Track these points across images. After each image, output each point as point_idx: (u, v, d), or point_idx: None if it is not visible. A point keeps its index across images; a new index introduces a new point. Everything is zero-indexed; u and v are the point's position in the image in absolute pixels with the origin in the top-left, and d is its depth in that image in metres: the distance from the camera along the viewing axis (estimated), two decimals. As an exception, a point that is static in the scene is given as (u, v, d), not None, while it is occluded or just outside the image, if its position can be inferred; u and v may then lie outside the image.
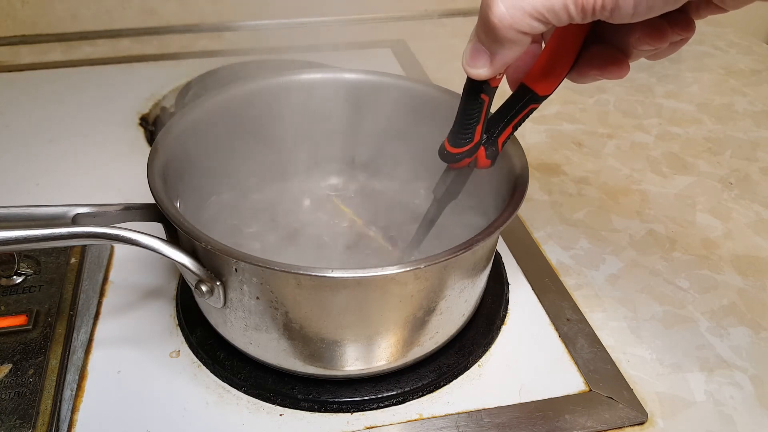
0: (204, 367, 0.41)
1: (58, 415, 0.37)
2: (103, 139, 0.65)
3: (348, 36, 0.91)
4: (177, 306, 0.45)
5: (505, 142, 0.36)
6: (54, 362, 0.39)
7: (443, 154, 0.36)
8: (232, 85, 0.47)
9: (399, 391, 0.39)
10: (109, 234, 0.34)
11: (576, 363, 0.42)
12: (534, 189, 0.59)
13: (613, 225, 0.55)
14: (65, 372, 0.39)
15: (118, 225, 0.35)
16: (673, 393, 0.40)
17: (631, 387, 0.40)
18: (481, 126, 0.34)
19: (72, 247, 0.47)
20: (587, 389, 0.40)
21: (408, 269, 0.32)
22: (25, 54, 0.84)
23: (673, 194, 0.59)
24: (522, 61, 0.34)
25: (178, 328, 0.43)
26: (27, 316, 0.41)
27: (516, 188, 0.38)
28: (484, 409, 0.39)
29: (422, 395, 0.40)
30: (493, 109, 0.35)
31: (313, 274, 0.31)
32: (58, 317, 0.41)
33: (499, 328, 0.44)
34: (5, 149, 0.63)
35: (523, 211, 0.56)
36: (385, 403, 0.39)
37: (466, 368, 0.41)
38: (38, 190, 0.57)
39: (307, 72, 0.49)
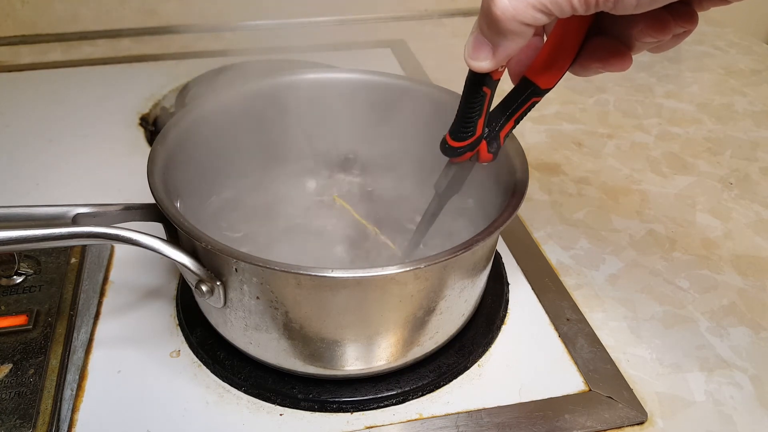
0: (204, 367, 0.41)
1: (59, 414, 0.37)
2: (103, 139, 0.65)
3: (348, 36, 0.91)
4: (177, 306, 0.45)
5: (507, 136, 0.36)
6: (54, 362, 0.39)
7: (445, 147, 0.35)
8: (232, 85, 0.47)
9: (399, 390, 0.39)
10: (109, 234, 0.34)
11: (576, 363, 0.42)
12: (534, 189, 0.59)
13: (613, 225, 0.55)
14: (65, 372, 0.39)
15: (118, 225, 0.35)
16: (672, 393, 0.40)
17: (631, 387, 0.40)
18: (483, 119, 0.34)
19: (72, 247, 0.47)
20: (587, 389, 0.40)
21: (408, 269, 0.32)
22: (25, 54, 0.84)
23: (673, 194, 0.59)
24: (524, 53, 0.34)
25: (178, 328, 0.43)
26: (27, 316, 0.41)
27: (516, 188, 0.38)
28: (484, 409, 0.39)
29: (422, 395, 0.40)
30: (495, 102, 0.35)
31: (313, 274, 0.31)
32: (59, 317, 0.41)
33: (499, 328, 0.44)
34: (5, 149, 0.63)
35: (523, 211, 0.56)
36: (385, 403, 0.39)
37: (466, 368, 0.41)
38: (38, 190, 0.57)
39: (307, 72, 0.49)
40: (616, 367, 0.42)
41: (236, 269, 0.34)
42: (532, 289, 0.48)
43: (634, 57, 0.32)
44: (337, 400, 0.39)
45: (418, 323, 0.37)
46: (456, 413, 0.39)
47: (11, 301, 0.42)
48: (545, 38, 0.33)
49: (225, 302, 0.36)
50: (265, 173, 0.51)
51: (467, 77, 0.32)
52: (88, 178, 0.59)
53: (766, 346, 0.44)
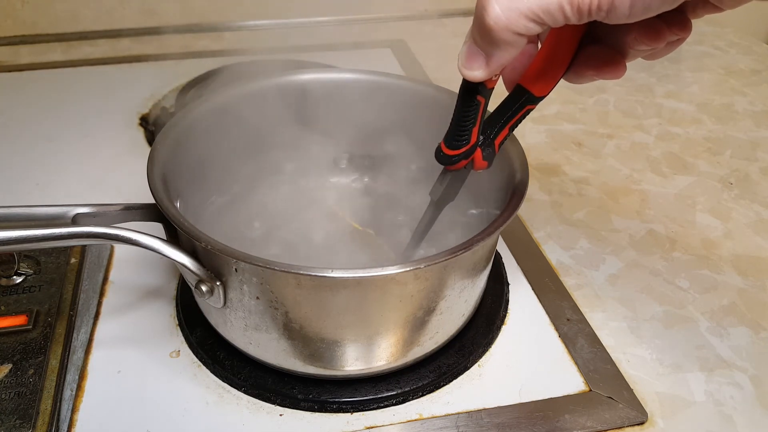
0: (204, 367, 0.41)
1: (58, 415, 0.37)
2: (103, 139, 0.65)
3: (348, 36, 0.91)
4: (177, 306, 0.45)
5: (501, 144, 0.36)
6: (54, 362, 0.39)
7: (440, 156, 0.36)
8: (232, 85, 0.47)
9: (399, 391, 0.39)
10: (109, 234, 0.34)
11: (576, 363, 0.42)
12: (534, 189, 0.59)
13: (613, 225, 0.55)
14: (65, 372, 0.39)
15: (118, 225, 0.35)
16: (673, 393, 0.40)
17: (631, 387, 0.40)
18: (478, 127, 0.34)
19: (72, 247, 0.47)
20: (587, 389, 0.40)
21: (408, 269, 0.32)
22: (25, 54, 0.84)
23: (673, 194, 0.59)
24: (518, 61, 0.34)
25: (178, 328, 0.43)
26: (27, 316, 0.41)
27: (516, 188, 0.38)
28: (484, 409, 0.39)
29: (422, 395, 0.40)
30: (490, 109, 0.35)
31: (313, 274, 0.31)
32: (58, 317, 0.41)
33: (499, 328, 0.44)
34: (5, 149, 0.63)
35: (523, 211, 0.56)
36: (385, 403, 0.39)
37: (466, 368, 0.41)
38: (38, 190, 0.57)
39: (306, 72, 0.49)
40: (616, 367, 0.42)
41: (236, 269, 0.34)
42: (532, 289, 0.48)
43: (632, 60, 0.32)
44: (337, 400, 0.39)
45: (418, 323, 0.37)
46: (456, 413, 0.39)
47: (11, 301, 0.42)
48: (539, 46, 0.33)
49: (225, 302, 0.36)
50: (265, 173, 0.51)
51: (461, 86, 0.32)
52: (88, 178, 0.59)
53: (766, 346, 0.44)
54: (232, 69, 0.77)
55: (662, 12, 0.26)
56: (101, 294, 0.46)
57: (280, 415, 0.38)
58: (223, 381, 0.40)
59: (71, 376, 0.39)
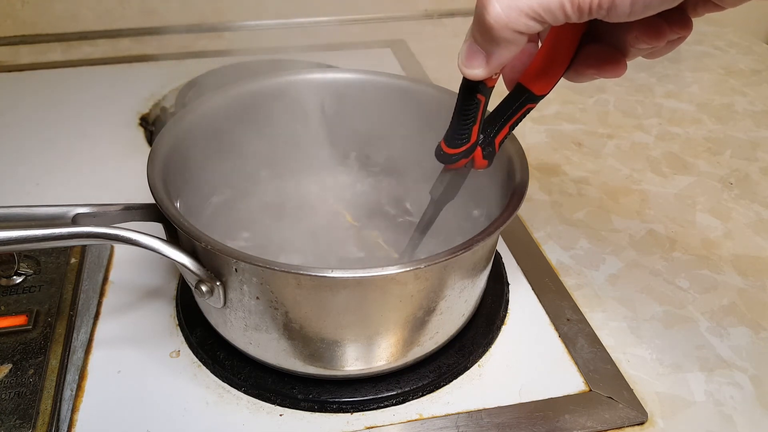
0: (204, 367, 0.41)
1: (58, 415, 0.37)
2: (103, 139, 0.65)
3: (348, 36, 0.91)
4: (177, 306, 0.45)
5: (502, 143, 0.36)
6: (54, 362, 0.39)
7: (440, 154, 0.36)
8: (232, 85, 0.47)
9: (399, 391, 0.39)
10: (109, 234, 0.34)
11: (576, 363, 0.42)
12: (534, 189, 0.59)
13: (613, 225, 0.55)
14: (65, 372, 0.39)
15: (118, 225, 0.35)
16: (673, 393, 0.40)
17: (631, 387, 0.40)
18: (478, 126, 0.34)
19: (72, 247, 0.47)
20: (587, 389, 0.40)
21: (408, 269, 0.32)
22: (25, 54, 0.84)
23: (673, 194, 0.59)
24: (518, 60, 0.34)
25: (178, 328, 0.43)
26: (27, 316, 0.41)
27: (516, 188, 0.38)
28: (484, 409, 0.39)
29: (422, 395, 0.40)
30: (490, 108, 0.35)
31: (313, 274, 0.31)
32: (58, 317, 0.41)
33: (499, 328, 0.44)
34: (5, 149, 0.63)
35: (523, 211, 0.56)
36: (385, 403, 0.39)
37: (466, 368, 0.41)
38: (38, 190, 0.57)
39: (307, 72, 0.49)
40: (616, 367, 0.42)
41: (236, 269, 0.34)
42: (532, 289, 0.48)
43: (632, 58, 0.32)
44: (337, 400, 0.39)
45: (418, 323, 0.37)
46: (456, 413, 0.39)
47: (11, 301, 0.42)
48: (540, 44, 0.33)
49: (225, 302, 0.36)
50: (265, 173, 0.51)
51: (461, 84, 0.32)
52: (88, 178, 0.59)
53: (766, 346, 0.44)
54: (231, 69, 0.77)
55: (663, 10, 0.26)
56: (101, 294, 0.46)
57: (280, 415, 0.38)
58: (223, 381, 0.40)
59: (71, 376, 0.39)
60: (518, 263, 0.50)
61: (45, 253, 0.46)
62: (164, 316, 0.44)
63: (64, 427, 0.37)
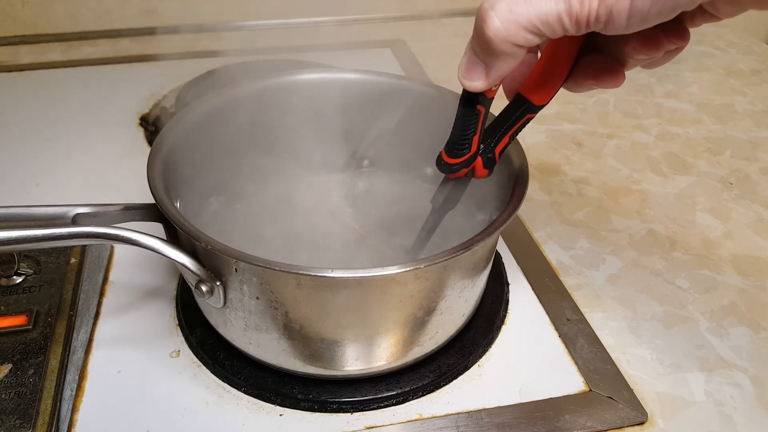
0: (204, 367, 0.41)
1: (58, 415, 0.37)
2: (103, 139, 0.65)
3: (348, 36, 0.91)
4: (177, 306, 0.45)
5: (502, 152, 0.36)
6: (54, 362, 0.39)
7: (441, 164, 0.36)
8: (231, 85, 0.46)
9: (399, 391, 0.39)
10: (109, 234, 0.34)
11: (576, 363, 0.42)
12: (534, 189, 0.59)
13: (613, 225, 0.55)
14: (65, 372, 0.39)
15: (118, 225, 0.35)
16: (673, 393, 0.40)
17: (631, 387, 0.40)
18: (478, 136, 0.35)
19: (72, 247, 0.47)
20: (587, 389, 0.40)
21: (408, 269, 0.32)
22: (25, 54, 0.84)
23: (673, 194, 0.59)
24: (518, 71, 0.34)
25: (178, 328, 0.43)
26: (27, 316, 0.41)
27: (516, 188, 0.38)
28: (484, 409, 0.39)
29: (422, 395, 0.40)
30: (490, 117, 0.35)
31: (313, 274, 0.31)
32: (58, 317, 0.41)
33: (499, 328, 0.44)
34: (5, 149, 0.63)
35: (523, 211, 0.56)
36: (385, 403, 0.39)
37: (466, 368, 0.41)
38: (38, 190, 0.57)
39: (307, 72, 0.49)
40: (616, 367, 0.42)
41: (236, 269, 0.34)
42: (532, 289, 0.48)
43: (630, 69, 0.32)
44: (337, 400, 0.39)
45: (418, 323, 0.37)
46: (456, 413, 0.39)
47: (11, 301, 0.42)
48: (539, 55, 0.34)
49: (225, 302, 0.36)
50: (265, 173, 0.51)
51: (462, 95, 0.33)
52: (88, 178, 0.59)
53: (766, 346, 0.44)
54: (232, 69, 0.77)
55: (660, 22, 0.26)
56: (101, 294, 0.46)
57: (280, 415, 0.38)
58: (223, 381, 0.40)
59: (71, 376, 0.39)
60: (518, 263, 0.50)
61: (45, 253, 0.46)
62: (164, 316, 0.44)
63: (64, 427, 0.37)
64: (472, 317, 0.43)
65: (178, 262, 0.34)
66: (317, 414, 0.38)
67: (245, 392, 0.39)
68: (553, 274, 0.49)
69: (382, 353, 0.38)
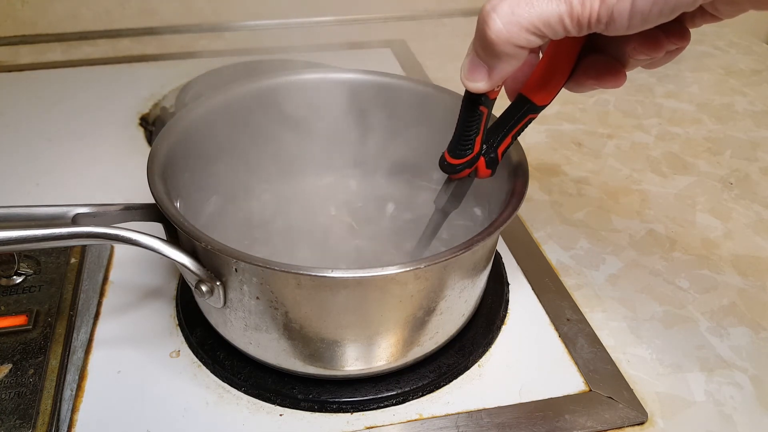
0: (204, 367, 0.41)
1: (58, 415, 0.37)
2: (103, 139, 0.65)
3: (348, 36, 0.91)
4: (177, 306, 0.45)
5: (504, 152, 0.37)
6: (54, 362, 0.39)
7: (444, 165, 0.36)
8: (232, 85, 0.46)
9: (399, 391, 0.39)
10: (109, 234, 0.34)
11: (576, 363, 0.42)
12: (534, 189, 0.59)
13: (613, 225, 0.55)
14: (65, 372, 0.39)
15: (118, 225, 0.35)
16: (673, 393, 0.40)
17: (631, 387, 0.40)
18: (481, 137, 0.35)
19: (72, 247, 0.47)
20: (587, 389, 0.40)
21: (408, 269, 0.32)
22: (25, 54, 0.84)
23: (673, 194, 0.59)
24: (520, 71, 0.34)
25: (178, 328, 0.43)
26: (27, 316, 0.41)
27: (516, 188, 0.38)
28: (484, 409, 0.39)
29: (422, 395, 0.40)
30: (492, 118, 0.36)
31: (313, 274, 0.31)
32: (58, 317, 0.41)
33: (499, 328, 0.44)
34: (5, 149, 0.63)
35: (523, 211, 0.56)
36: (385, 403, 0.39)
37: (466, 368, 0.41)
38: (38, 190, 0.57)
39: (307, 72, 0.49)
40: (616, 367, 0.42)
41: (236, 269, 0.34)
42: (532, 289, 0.48)
43: (631, 69, 0.33)
44: (337, 400, 0.39)
45: (418, 323, 0.37)
46: (456, 413, 0.39)
47: (11, 301, 0.42)
48: (541, 55, 0.34)
49: (225, 302, 0.36)
50: (265, 174, 0.51)
51: (464, 96, 0.33)
52: (88, 178, 0.59)
53: (766, 346, 0.44)
54: (232, 69, 0.77)
55: (661, 23, 0.26)
56: (101, 294, 0.46)
57: (280, 415, 0.38)
58: (223, 381, 0.40)
59: (71, 376, 0.39)
60: (518, 263, 0.50)
61: (45, 253, 0.46)
62: (164, 316, 0.44)
63: (64, 427, 0.37)
64: (472, 317, 0.43)
65: (178, 262, 0.34)
66: (317, 414, 0.38)
67: (245, 392, 0.39)
68: (553, 274, 0.49)
69: (382, 353, 0.38)
